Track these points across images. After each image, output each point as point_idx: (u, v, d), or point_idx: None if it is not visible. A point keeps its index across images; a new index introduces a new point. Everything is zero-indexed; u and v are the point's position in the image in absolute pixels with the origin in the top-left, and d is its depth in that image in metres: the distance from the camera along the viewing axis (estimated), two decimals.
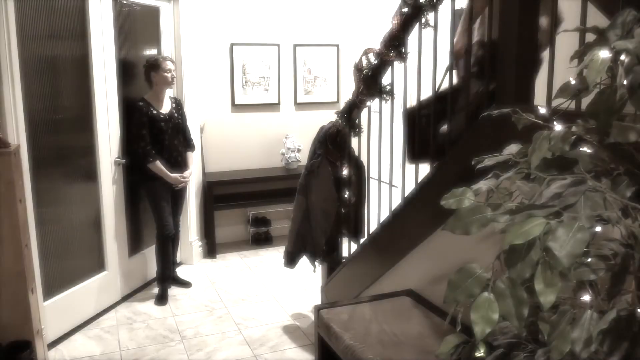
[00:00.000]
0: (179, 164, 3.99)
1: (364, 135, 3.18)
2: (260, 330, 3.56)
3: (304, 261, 3.54)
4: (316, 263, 3.50)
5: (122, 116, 3.86)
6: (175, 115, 3.95)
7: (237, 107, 5.07)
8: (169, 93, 3.99)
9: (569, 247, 0.94)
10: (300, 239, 3.45)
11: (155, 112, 3.80)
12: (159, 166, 3.80)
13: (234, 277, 4.44)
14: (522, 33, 2.00)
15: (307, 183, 3.37)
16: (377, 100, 2.90)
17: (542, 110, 1.29)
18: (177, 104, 4.05)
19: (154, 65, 3.79)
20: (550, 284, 0.97)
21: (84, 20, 3.46)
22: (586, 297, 1.11)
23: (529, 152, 1.14)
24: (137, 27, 4.15)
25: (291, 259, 3.52)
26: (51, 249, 3.31)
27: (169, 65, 3.82)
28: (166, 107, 3.90)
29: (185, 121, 4.09)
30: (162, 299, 3.97)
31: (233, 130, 5.10)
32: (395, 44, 2.63)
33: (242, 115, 5.11)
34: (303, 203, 3.40)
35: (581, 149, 1.11)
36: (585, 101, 1.12)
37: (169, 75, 3.81)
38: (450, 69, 2.53)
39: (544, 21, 2.08)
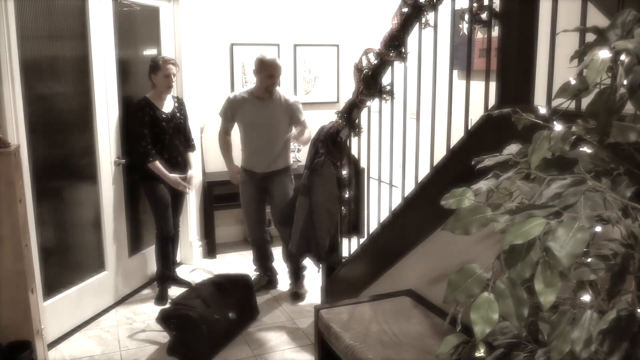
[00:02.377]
0: (179, 165, 3.98)
1: (364, 135, 3.18)
2: (260, 330, 3.55)
3: (304, 261, 3.54)
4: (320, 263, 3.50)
5: (122, 116, 3.86)
6: (178, 115, 3.94)
7: None
8: (171, 92, 3.98)
9: (569, 247, 0.94)
10: (304, 240, 3.43)
11: (157, 111, 3.78)
12: (159, 166, 3.79)
13: None
14: (522, 36, 2.00)
15: (310, 183, 3.35)
16: (377, 100, 2.90)
17: (542, 110, 1.29)
18: (180, 104, 4.04)
19: (154, 67, 3.76)
20: (550, 284, 0.97)
21: (84, 20, 3.46)
22: (586, 297, 1.11)
23: (529, 152, 1.14)
24: (137, 27, 4.15)
25: (293, 261, 3.51)
26: (51, 249, 3.31)
27: (170, 69, 3.76)
28: (168, 107, 3.89)
29: (187, 121, 4.08)
30: (162, 299, 3.96)
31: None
32: (395, 44, 2.63)
33: None
34: (306, 204, 3.38)
35: (581, 149, 1.11)
36: (585, 101, 1.12)
37: (167, 80, 3.77)
38: None
39: None
